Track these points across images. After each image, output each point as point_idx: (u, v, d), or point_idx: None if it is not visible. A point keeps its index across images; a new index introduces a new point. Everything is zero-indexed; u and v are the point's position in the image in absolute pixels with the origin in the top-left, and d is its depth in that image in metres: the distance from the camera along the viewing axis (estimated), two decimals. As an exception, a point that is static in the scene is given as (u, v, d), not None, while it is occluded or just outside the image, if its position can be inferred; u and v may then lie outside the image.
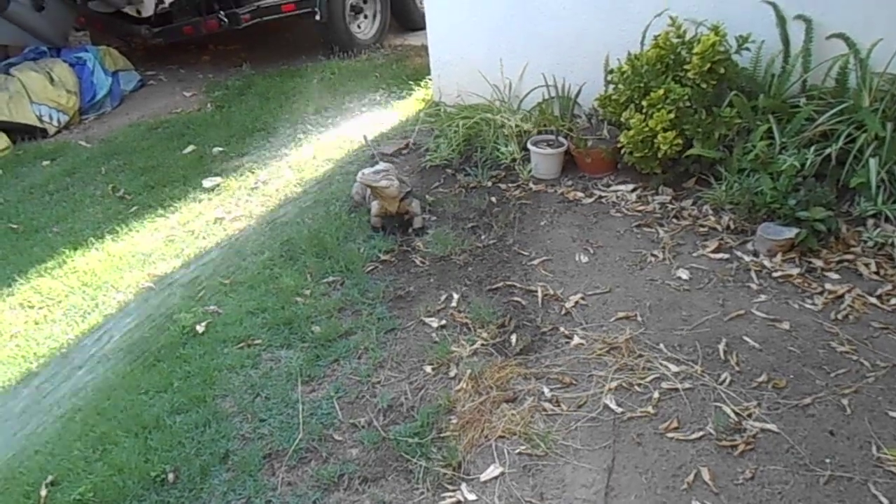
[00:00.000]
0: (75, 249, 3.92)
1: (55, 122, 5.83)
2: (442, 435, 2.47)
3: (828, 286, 2.96)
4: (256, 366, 2.90)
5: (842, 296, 2.90)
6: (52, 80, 5.86)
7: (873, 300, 2.86)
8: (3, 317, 3.42)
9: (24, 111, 5.64)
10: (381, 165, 3.58)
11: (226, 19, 6.28)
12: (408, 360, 2.84)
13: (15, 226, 4.30)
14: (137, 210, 4.31)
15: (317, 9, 6.56)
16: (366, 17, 7.20)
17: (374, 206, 3.62)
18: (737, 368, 2.60)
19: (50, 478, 2.47)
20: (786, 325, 2.78)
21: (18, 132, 5.65)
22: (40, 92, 5.74)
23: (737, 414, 2.41)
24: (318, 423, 2.57)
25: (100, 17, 6.65)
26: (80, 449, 2.58)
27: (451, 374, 2.74)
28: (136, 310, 3.34)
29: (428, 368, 2.78)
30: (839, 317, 2.80)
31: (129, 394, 2.81)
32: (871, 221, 3.21)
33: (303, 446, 2.49)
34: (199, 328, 3.12)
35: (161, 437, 2.57)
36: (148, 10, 6.32)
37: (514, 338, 2.87)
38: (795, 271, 3.05)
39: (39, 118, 5.72)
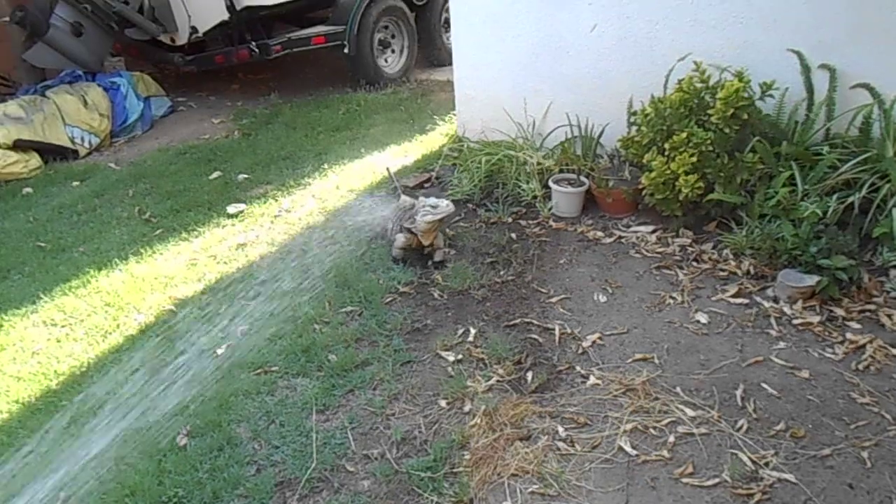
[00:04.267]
0: (100, 270, 3.99)
1: (87, 144, 5.97)
2: (454, 470, 2.45)
3: (849, 335, 2.93)
4: (272, 392, 2.91)
5: (863, 346, 2.87)
6: (85, 103, 6.01)
7: (895, 352, 2.82)
8: (27, 333, 3.48)
9: (57, 132, 5.78)
10: (429, 200, 3.51)
11: (257, 50, 6.43)
12: (423, 394, 2.84)
13: (43, 244, 4.39)
14: (162, 233, 4.38)
15: (346, 42, 6.72)
16: (393, 51, 7.34)
17: (400, 238, 3.63)
18: (754, 415, 2.57)
19: (63, 495, 2.49)
20: (805, 374, 2.75)
21: (51, 153, 5.78)
22: (74, 114, 5.89)
23: (753, 462, 2.37)
24: (332, 453, 2.57)
25: (135, 43, 6.84)
26: (93, 469, 2.60)
27: (466, 409, 2.74)
28: (155, 331, 3.38)
29: (442, 402, 2.78)
30: (860, 367, 2.76)
31: (145, 416, 2.84)
32: (893, 272, 3.18)
33: (315, 476, 2.48)
34: (217, 352, 3.15)
35: (175, 460, 2.59)
36: (182, 38, 6.49)
37: (529, 375, 2.87)
38: (816, 319, 3.03)
39: (72, 140, 5.86)
